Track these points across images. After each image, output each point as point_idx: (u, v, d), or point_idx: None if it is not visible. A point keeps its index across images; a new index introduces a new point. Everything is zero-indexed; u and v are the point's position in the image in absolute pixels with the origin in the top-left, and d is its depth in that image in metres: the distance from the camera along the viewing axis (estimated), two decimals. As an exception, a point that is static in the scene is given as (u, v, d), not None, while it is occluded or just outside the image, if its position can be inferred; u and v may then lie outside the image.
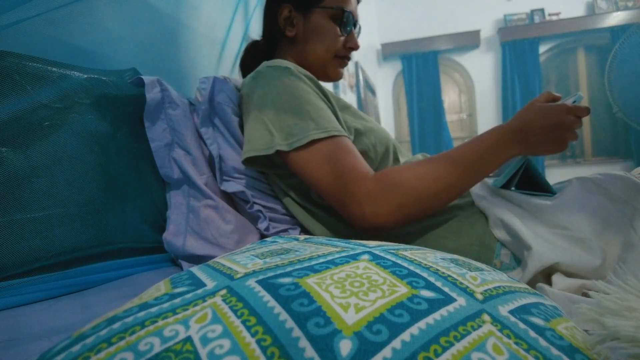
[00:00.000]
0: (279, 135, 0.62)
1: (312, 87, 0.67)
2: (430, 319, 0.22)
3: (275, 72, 0.68)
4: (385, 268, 0.28)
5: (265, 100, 0.65)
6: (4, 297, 0.44)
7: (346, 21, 0.79)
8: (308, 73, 0.70)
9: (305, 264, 0.29)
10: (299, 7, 0.78)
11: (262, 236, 0.70)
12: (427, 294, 0.25)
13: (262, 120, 0.64)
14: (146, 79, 0.67)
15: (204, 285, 0.26)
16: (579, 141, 4.27)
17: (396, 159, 0.75)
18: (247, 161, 0.66)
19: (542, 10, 4.18)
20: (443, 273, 0.28)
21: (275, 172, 0.71)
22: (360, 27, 0.86)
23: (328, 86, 2.22)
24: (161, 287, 0.28)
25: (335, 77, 0.84)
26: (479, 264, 0.33)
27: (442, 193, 0.58)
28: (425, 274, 0.27)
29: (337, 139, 0.62)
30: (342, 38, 0.80)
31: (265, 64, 0.71)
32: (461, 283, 0.27)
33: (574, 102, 0.59)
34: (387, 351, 0.19)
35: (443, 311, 0.23)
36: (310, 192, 0.70)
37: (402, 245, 0.36)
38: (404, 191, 0.56)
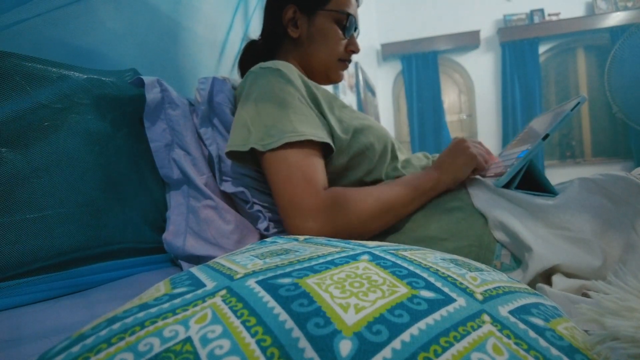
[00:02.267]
0: (256, 134, 0.62)
1: (299, 92, 0.67)
2: (430, 320, 0.22)
3: (265, 73, 0.68)
4: (385, 268, 0.28)
5: (249, 99, 0.66)
6: (4, 297, 0.44)
7: (349, 25, 0.79)
8: (302, 75, 0.71)
9: (305, 265, 0.29)
10: (303, 8, 0.78)
11: (262, 236, 0.70)
12: (427, 294, 0.25)
13: (242, 117, 0.65)
14: (146, 79, 0.67)
15: (204, 285, 0.26)
16: (579, 141, 4.28)
17: (394, 157, 0.75)
18: (237, 158, 0.66)
19: (541, 11, 4.18)
20: (443, 273, 0.28)
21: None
22: (359, 31, 0.86)
23: (327, 87, 2.21)
24: (161, 287, 0.28)
25: (336, 80, 0.86)
26: (478, 264, 0.33)
27: (394, 209, 0.62)
28: (425, 274, 0.27)
29: (311, 146, 0.63)
30: (344, 41, 0.81)
31: (259, 64, 0.71)
32: (461, 283, 0.27)
33: (577, 103, 0.59)
34: (387, 351, 0.19)
35: (443, 311, 0.23)
36: None
37: (402, 246, 0.36)
38: (350, 210, 0.59)
